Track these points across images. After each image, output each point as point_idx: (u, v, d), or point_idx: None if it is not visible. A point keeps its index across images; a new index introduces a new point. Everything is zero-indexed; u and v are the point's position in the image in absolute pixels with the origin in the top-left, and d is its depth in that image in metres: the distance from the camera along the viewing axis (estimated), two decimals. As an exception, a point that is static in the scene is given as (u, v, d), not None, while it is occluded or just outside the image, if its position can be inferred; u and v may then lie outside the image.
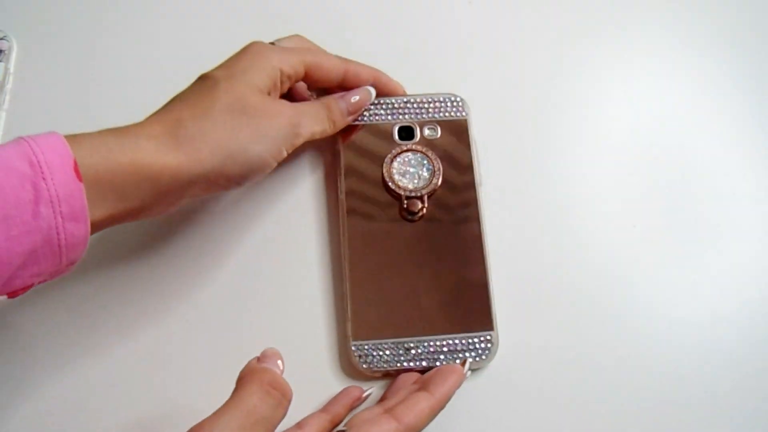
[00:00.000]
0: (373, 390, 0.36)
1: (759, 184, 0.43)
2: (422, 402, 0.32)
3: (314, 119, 0.38)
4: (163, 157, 0.32)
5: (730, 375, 0.38)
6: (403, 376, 0.36)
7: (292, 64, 0.37)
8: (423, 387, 0.34)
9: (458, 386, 0.34)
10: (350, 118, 0.40)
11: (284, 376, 0.37)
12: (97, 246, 0.40)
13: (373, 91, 0.41)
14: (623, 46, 0.47)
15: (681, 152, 0.44)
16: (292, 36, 0.40)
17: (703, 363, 0.39)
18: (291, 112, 0.36)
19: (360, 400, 0.36)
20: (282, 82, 0.37)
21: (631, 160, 0.43)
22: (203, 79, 0.36)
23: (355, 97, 0.40)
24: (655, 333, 0.39)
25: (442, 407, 0.33)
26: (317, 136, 0.38)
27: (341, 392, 0.36)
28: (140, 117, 0.43)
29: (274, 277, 0.39)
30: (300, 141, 0.37)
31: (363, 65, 0.41)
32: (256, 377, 0.30)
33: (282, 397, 0.30)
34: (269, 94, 0.36)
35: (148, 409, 0.37)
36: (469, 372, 0.36)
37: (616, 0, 0.48)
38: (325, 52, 0.41)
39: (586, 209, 0.42)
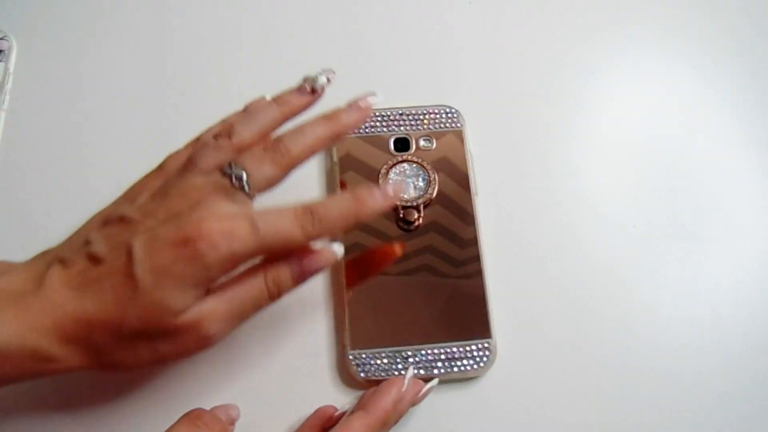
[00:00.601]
0: (347, 407, 0.36)
1: (759, 183, 0.44)
2: (354, 422, 0.32)
3: (248, 309, 0.32)
4: (64, 363, 0.30)
5: (730, 375, 0.38)
6: (368, 392, 0.36)
7: (239, 261, 0.30)
8: (361, 406, 0.34)
9: (398, 398, 0.34)
10: (300, 285, 0.33)
11: (281, 384, 0.37)
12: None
13: (340, 253, 0.33)
14: (622, 50, 0.47)
15: (680, 153, 0.44)
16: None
17: (704, 364, 0.38)
18: (211, 320, 0.30)
19: (332, 420, 0.35)
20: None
21: (630, 163, 0.44)
22: (125, 254, 0.29)
23: (312, 265, 0.32)
24: (656, 338, 0.39)
25: (381, 422, 0.33)
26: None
27: (314, 414, 0.35)
28: (139, 117, 0.44)
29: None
30: (214, 343, 0.31)
31: (337, 219, 0.32)
32: (185, 416, 0.32)
33: (208, 427, 0.31)
34: (201, 297, 0.30)
35: (144, 413, 0.36)
36: (435, 381, 0.36)
37: (616, 4, 0.49)
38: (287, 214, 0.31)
39: (583, 216, 0.42)
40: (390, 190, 0.33)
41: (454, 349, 0.37)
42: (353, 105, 0.35)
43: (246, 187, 0.31)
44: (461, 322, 0.38)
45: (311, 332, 0.38)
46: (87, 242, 0.31)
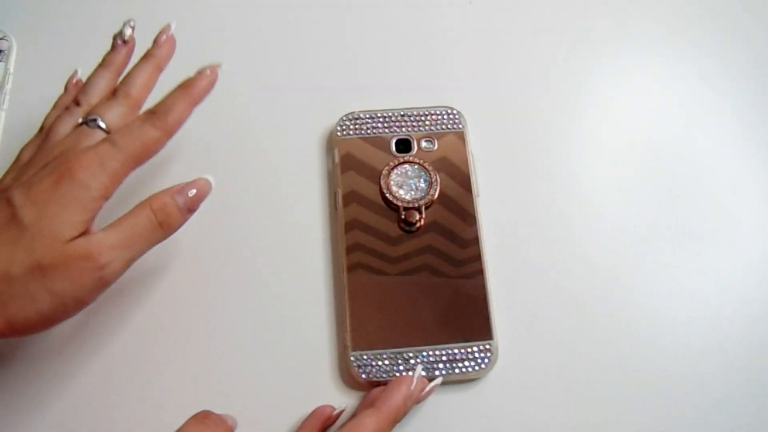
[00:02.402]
0: (345, 407, 0.36)
1: (759, 183, 0.44)
2: (366, 420, 0.33)
3: (138, 239, 0.32)
4: None
5: (731, 375, 0.38)
6: (375, 390, 0.36)
7: (114, 178, 0.32)
8: (371, 403, 0.34)
9: (407, 396, 0.34)
10: (189, 215, 0.34)
11: (283, 385, 0.37)
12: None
13: (212, 181, 0.35)
14: (623, 50, 0.47)
15: (681, 153, 0.44)
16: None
17: (704, 364, 0.38)
18: (102, 249, 0.31)
19: (331, 419, 0.35)
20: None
21: (630, 164, 0.44)
22: (6, 207, 0.31)
23: (192, 191, 0.34)
24: (656, 338, 0.39)
25: (392, 419, 0.33)
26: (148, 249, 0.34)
27: (311, 414, 0.36)
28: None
29: (272, 287, 0.40)
30: (112, 278, 0.32)
31: (174, 111, 0.35)
32: (192, 418, 0.32)
33: (216, 426, 0.32)
34: (88, 224, 0.32)
35: (145, 413, 0.36)
36: (439, 380, 0.36)
37: (616, 4, 0.49)
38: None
39: (584, 217, 0.42)
40: (207, 70, 0.37)
41: (456, 351, 0.37)
42: (158, 39, 0.39)
43: (102, 125, 0.34)
44: (462, 323, 0.38)
45: (312, 333, 0.38)
46: None
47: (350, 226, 0.40)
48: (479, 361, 0.37)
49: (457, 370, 0.37)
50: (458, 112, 0.43)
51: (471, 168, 0.42)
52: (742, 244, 0.42)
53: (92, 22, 0.47)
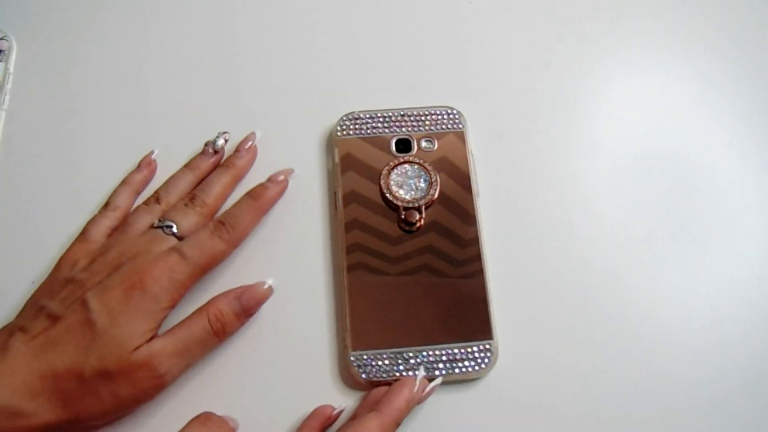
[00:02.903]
0: (344, 406, 0.36)
1: (759, 183, 0.44)
2: (369, 423, 0.33)
3: (195, 347, 0.35)
4: (35, 419, 0.32)
5: (731, 375, 0.38)
6: (376, 391, 0.36)
7: (182, 289, 0.35)
8: (372, 404, 0.35)
9: (411, 398, 0.35)
10: (245, 320, 0.37)
11: (283, 385, 0.37)
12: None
13: (274, 285, 0.38)
14: (623, 50, 0.47)
15: (680, 153, 0.44)
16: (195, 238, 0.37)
17: (704, 364, 0.38)
18: (161, 358, 0.34)
19: (331, 419, 0.35)
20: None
21: (630, 164, 0.44)
22: (81, 308, 0.34)
23: (251, 298, 0.37)
24: (657, 338, 0.39)
25: (395, 422, 0.34)
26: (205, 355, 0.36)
27: (311, 414, 0.36)
28: (139, 116, 0.44)
29: (273, 287, 0.39)
30: (169, 382, 0.34)
31: (247, 225, 0.39)
32: (194, 419, 0.33)
33: (218, 427, 0.33)
34: (154, 332, 0.34)
35: (146, 415, 0.36)
36: (439, 380, 0.36)
37: (616, 4, 0.49)
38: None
39: (584, 216, 0.42)
40: (279, 177, 0.40)
41: (456, 351, 0.37)
42: (240, 149, 0.42)
43: (176, 233, 0.37)
44: (462, 323, 0.38)
45: (313, 333, 0.38)
46: (41, 308, 0.35)
47: (350, 226, 0.40)
48: (479, 361, 0.37)
49: (457, 370, 0.37)
50: (458, 112, 0.43)
51: (471, 168, 0.42)
52: (742, 244, 0.42)
53: (92, 22, 0.47)
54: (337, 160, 0.42)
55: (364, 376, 0.37)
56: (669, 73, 0.47)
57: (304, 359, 0.38)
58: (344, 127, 0.43)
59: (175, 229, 0.37)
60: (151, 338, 0.34)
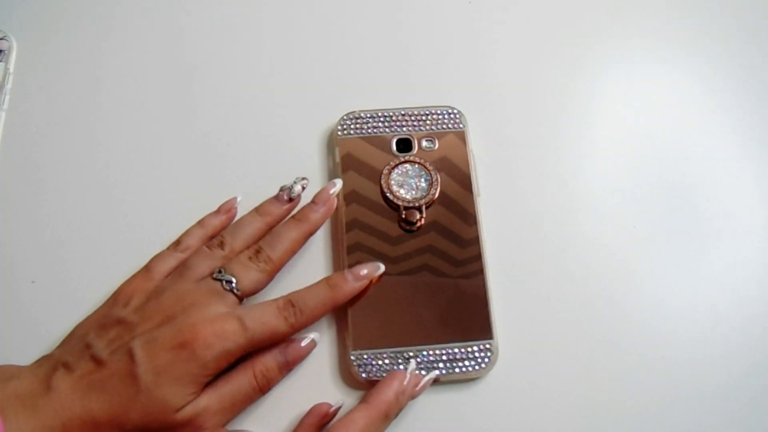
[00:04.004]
0: (342, 403, 0.36)
1: (759, 183, 0.44)
2: (356, 414, 0.33)
3: (240, 403, 0.35)
4: None
5: (731, 374, 0.38)
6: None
7: (231, 358, 0.34)
8: (364, 399, 0.35)
9: (400, 391, 0.34)
10: (287, 373, 0.37)
11: (283, 384, 0.37)
12: (92, 252, 0.40)
13: (317, 339, 0.37)
14: (623, 50, 0.47)
15: (680, 153, 0.44)
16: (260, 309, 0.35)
17: (704, 363, 0.38)
18: (206, 417, 0.33)
19: (328, 417, 0.35)
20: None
21: (630, 164, 0.44)
22: (127, 357, 0.32)
23: (293, 354, 0.36)
24: (657, 337, 0.39)
25: (383, 414, 0.34)
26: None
27: (309, 412, 0.36)
28: (140, 116, 0.44)
29: (273, 286, 0.39)
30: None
31: (316, 310, 0.36)
32: None
33: None
34: (198, 394, 0.33)
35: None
36: (434, 373, 0.36)
37: (616, 4, 0.49)
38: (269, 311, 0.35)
39: (585, 216, 0.42)
40: (362, 271, 0.37)
41: (456, 350, 0.37)
42: (318, 201, 0.39)
43: (236, 290, 0.35)
44: (463, 322, 0.38)
45: (313, 333, 0.38)
46: (87, 345, 0.33)
47: (351, 225, 0.40)
48: (479, 360, 0.37)
49: (457, 370, 0.37)
50: (459, 112, 0.43)
51: (471, 167, 0.42)
52: (742, 244, 0.42)
53: (92, 22, 0.47)
54: (337, 159, 0.42)
55: (364, 375, 0.37)
56: (670, 73, 0.47)
57: (304, 364, 0.38)
58: (345, 127, 0.43)
59: (234, 285, 0.35)
60: (195, 396, 0.33)
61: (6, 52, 0.45)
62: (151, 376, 0.32)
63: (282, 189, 0.39)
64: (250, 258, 0.36)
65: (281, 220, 0.39)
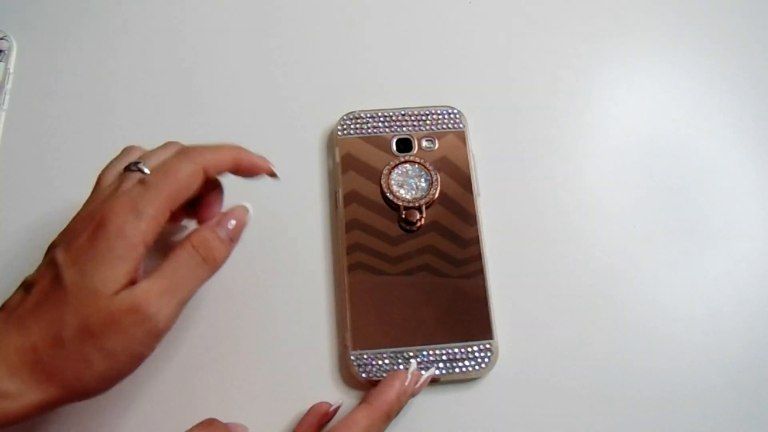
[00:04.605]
0: (341, 402, 0.36)
1: (759, 183, 0.44)
2: (357, 415, 0.33)
3: (185, 279, 0.31)
4: (22, 399, 0.28)
5: (730, 374, 0.38)
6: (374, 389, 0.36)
7: (152, 221, 0.30)
8: (364, 399, 0.34)
9: (402, 391, 0.34)
10: (232, 245, 0.34)
11: (283, 384, 0.37)
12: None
13: (250, 208, 0.35)
14: (624, 50, 0.47)
15: (680, 153, 0.44)
16: (168, 150, 0.33)
17: (704, 363, 0.39)
18: (148, 298, 0.29)
19: (328, 416, 0.36)
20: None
21: (630, 163, 0.44)
22: (51, 267, 0.30)
23: (231, 222, 0.34)
24: (657, 337, 0.39)
25: (385, 414, 0.33)
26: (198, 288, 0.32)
27: (308, 411, 0.36)
28: (140, 115, 0.44)
29: (273, 286, 0.40)
30: (165, 326, 0.30)
31: (216, 149, 0.34)
32: (198, 425, 0.32)
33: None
34: (132, 275, 0.30)
35: (141, 418, 0.36)
36: (432, 370, 0.36)
37: (617, 4, 0.49)
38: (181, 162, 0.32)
39: (585, 216, 0.42)
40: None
41: (456, 350, 0.37)
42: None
43: (145, 169, 0.32)
44: (463, 322, 0.38)
45: (313, 333, 0.38)
46: (21, 283, 0.31)
47: (351, 225, 0.40)
48: (479, 360, 0.37)
49: (457, 370, 0.37)
50: (459, 112, 0.43)
51: (471, 167, 0.42)
52: (742, 244, 0.42)
53: (92, 22, 0.47)
54: (337, 159, 0.42)
55: (364, 375, 0.37)
56: (670, 72, 0.47)
57: (305, 358, 0.38)
58: (345, 127, 0.43)
59: (143, 166, 0.32)
60: (132, 281, 0.30)
61: (6, 52, 0.45)
62: (75, 269, 0.29)
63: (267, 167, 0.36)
64: (161, 148, 0.34)
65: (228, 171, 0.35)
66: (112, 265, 0.29)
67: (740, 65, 0.47)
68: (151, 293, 0.30)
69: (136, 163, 0.32)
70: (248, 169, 0.35)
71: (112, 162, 0.35)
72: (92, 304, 0.29)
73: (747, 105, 0.46)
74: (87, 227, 0.30)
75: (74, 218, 0.32)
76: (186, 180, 0.32)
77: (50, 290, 0.29)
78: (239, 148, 0.34)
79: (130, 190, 0.31)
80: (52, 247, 0.31)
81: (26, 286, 0.31)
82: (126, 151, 0.35)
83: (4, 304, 0.31)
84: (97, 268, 0.29)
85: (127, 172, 0.32)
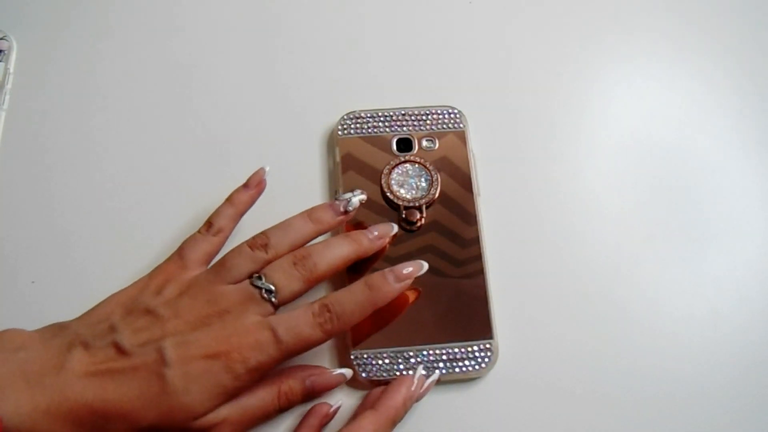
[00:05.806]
0: (341, 403, 0.36)
1: (759, 183, 0.44)
2: (364, 421, 0.33)
3: (253, 419, 0.33)
4: None
5: (730, 374, 0.38)
6: (376, 390, 0.36)
7: (264, 370, 0.32)
8: (371, 404, 0.34)
9: (408, 397, 0.34)
10: (308, 399, 0.35)
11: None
12: (92, 252, 0.40)
13: (347, 373, 0.35)
14: (623, 50, 0.47)
15: (681, 153, 0.44)
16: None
17: (704, 363, 0.38)
18: (219, 428, 0.32)
19: (328, 416, 0.36)
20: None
21: (631, 164, 0.44)
22: (156, 351, 0.31)
23: (322, 379, 0.35)
24: (657, 337, 0.39)
25: (391, 420, 0.33)
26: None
27: (309, 412, 0.36)
28: (140, 115, 0.44)
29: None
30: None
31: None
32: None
33: None
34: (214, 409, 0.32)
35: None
36: (437, 374, 0.36)
37: (617, 4, 0.49)
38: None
39: (585, 217, 0.42)
40: (405, 269, 0.35)
41: (456, 350, 0.37)
42: (376, 233, 0.37)
43: (274, 300, 0.33)
44: (463, 322, 0.38)
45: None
46: (112, 329, 0.32)
47: (351, 224, 0.40)
48: (479, 360, 0.37)
49: (457, 370, 0.37)
50: (459, 112, 0.43)
51: (472, 167, 0.42)
52: (742, 244, 0.42)
53: (92, 22, 0.47)
54: (338, 159, 0.42)
55: (364, 375, 0.37)
56: (670, 73, 0.47)
57: (304, 358, 0.38)
58: (345, 127, 0.43)
59: (273, 294, 0.33)
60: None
61: (6, 52, 0.45)
62: (181, 381, 0.30)
63: (338, 199, 0.38)
64: (294, 264, 0.34)
65: (330, 230, 0.38)
66: (214, 397, 0.31)
67: (740, 65, 0.47)
68: (228, 422, 0.32)
69: (269, 291, 0.33)
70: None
71: (243, 250, 0.35)
72: (178, 416, 0.30)
73: (747, 105, 0.46)
74: (206, 346, 0.31)
75: (190, 299, 0.33)
76: (309, 347, 0.33)
77: (148, 375, 0.30)
78: (375, 295, 0.34)
79: (260, 336, 0.32)
80: (156, 321, 0.32)
81: (119, 348, 0.31)
82: (264, 237, 0.35)
83: (87, 345, 0.31)
84: (200, 393, 0.31)
85: (257, 292, 0.33)
